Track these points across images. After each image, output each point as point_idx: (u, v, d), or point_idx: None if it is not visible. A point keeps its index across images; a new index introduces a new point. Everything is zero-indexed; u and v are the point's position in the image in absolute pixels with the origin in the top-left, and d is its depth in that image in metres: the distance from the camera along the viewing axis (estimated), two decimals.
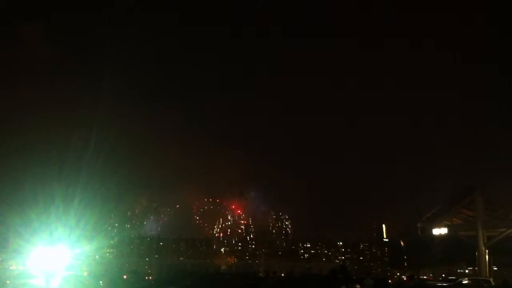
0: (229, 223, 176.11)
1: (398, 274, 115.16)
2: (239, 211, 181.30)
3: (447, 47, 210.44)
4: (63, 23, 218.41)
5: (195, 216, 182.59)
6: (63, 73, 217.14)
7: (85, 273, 44.25)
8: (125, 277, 43.51)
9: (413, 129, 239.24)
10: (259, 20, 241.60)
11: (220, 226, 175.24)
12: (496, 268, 57.26)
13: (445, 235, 43.16)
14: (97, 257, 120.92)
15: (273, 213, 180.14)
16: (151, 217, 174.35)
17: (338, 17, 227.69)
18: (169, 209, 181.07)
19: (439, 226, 42.27)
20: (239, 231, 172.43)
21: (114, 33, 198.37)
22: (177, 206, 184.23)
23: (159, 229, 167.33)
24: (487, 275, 37.92)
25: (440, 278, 73.94)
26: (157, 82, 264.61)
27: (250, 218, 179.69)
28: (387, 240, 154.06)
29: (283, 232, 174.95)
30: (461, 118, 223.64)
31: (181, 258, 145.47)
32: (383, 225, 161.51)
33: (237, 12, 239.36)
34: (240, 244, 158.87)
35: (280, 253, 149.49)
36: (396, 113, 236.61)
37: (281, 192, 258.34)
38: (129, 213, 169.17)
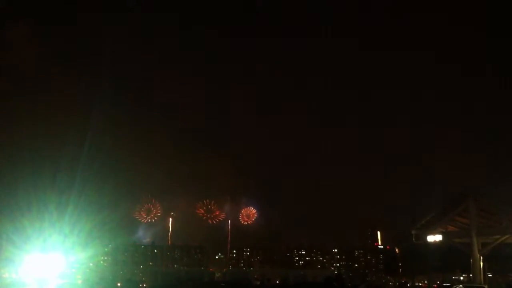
0: (223, 230, 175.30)
1: (393, 281, 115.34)
2: (232, 218, 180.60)
3: (447, 46, 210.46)
4: (62, 23, 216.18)
5: (189, 223, 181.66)
6: (57, 77, 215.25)
7: (79, 281, 44.04)
8: (119, 284, 43.34)
9: (409, 132, 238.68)
10: (259, 20, 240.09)
11: (213, 233, 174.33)
12: (490, 275, 57.43)
13: (439, 242, 43.09)
14: (91, 264, 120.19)
15: (266, 219, 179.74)
16: (145, 224, 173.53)
17: (338, 17, 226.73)
18: (163, 216, 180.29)
19: (434, 233, 42.24)
20: (233, 237, 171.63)
21: (111, 34, 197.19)
22: (172, 213, 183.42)
23: (153, 236, 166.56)
24: (482, 282, 37.96)
25: (435, 285, 74.08)
26: (152, 86, 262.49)
27: (243, 224, 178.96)
28: (382, 247, 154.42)
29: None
30: (456, 122, 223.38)
31: (175, 266, 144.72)
32: (378, 232, 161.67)
33: (237, 12, 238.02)
34: (234, 251, 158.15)
35: (274, 260, 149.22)
36: (394, 113, 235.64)
37: (275, 197, 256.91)
38: (123, 220, 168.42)
